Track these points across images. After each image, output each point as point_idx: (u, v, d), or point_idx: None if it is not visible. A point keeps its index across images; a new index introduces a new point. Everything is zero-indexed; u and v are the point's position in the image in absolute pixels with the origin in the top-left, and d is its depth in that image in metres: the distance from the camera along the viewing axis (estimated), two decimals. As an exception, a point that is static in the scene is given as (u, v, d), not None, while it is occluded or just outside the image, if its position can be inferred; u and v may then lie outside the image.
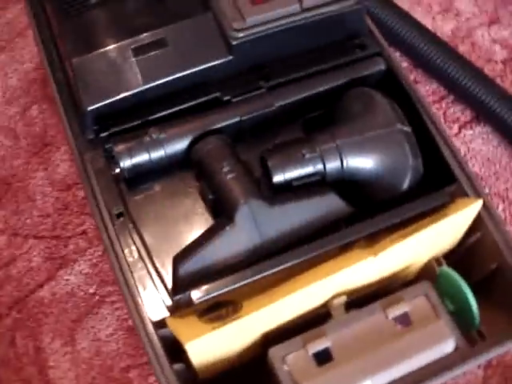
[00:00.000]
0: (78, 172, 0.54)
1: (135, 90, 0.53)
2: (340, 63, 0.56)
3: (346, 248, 0.50)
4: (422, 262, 0.54)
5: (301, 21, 0.54)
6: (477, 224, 0.53)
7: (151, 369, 0.47)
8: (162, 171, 0.53)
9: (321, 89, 0.55)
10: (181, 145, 0.52)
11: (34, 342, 0.63)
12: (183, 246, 0.49)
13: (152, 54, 0.54)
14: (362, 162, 0.51)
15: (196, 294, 0.46)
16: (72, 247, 0.67)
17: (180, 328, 0.46)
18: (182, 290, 0.47)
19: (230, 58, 0.54)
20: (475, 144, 0.74)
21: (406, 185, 0.51)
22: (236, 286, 0.47)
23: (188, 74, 0.53)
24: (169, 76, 0.53)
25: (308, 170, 0.50)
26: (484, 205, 0.52)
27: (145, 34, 0.54)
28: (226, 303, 0.47)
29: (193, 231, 0.51)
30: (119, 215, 0.51)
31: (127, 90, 0.53)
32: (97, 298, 0.65)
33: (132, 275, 0.49)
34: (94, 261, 0.66)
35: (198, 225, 0.51)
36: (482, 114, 0.74)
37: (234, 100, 0.54)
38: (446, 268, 0.52)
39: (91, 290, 0.65)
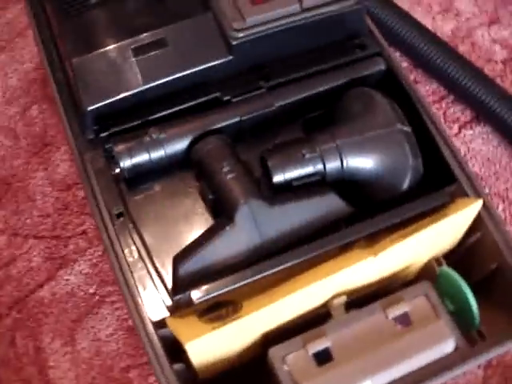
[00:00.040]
0: (77, 172, 0.54)
1: (135, 90, 0.53)
2: (340, 63, 0.56)
3: (345, 248, 0.50)
4: (422, 262, 0.54)
5: (301, 21, 0.54)
6: (477, 224, 0.53)
7: (151, 369, 0.47)
8: (162, 171, 0.53)
9: (321, 89, 0.55)
10: (181, 145, 0.52)
11: (34, 341, 0.63)
12: (183, 246, 0.49)
13: (152, 54, 0.54)
14: (362, 162, 0.51)
15: (196, 294, 0.46)
16: (72, 247, 0.67)
17: (180, 328, 0.46)
18: (181, 290, 0.47)
19: (230, 57, 0.54)
20: (475, 144, 0.74)
21: (405, 185, 0.51)
22: (236, 286, 0.47)
23: (188, 74, 0.53)
24: (169, 76, 0.53)
25: (308, 169, 0.50)
26: (484, 205, 0.52)
27: (145, 34, 0.54)
28: (226, 303, 0.47)
29: (193, 231, 0.51)
30: (119, 215, 0.51)
31: (127, 90, 0.53)
32: (97, 297, 0.65)
33: (132, 275, 0.49)
34: (94, 261, 0.66)
35: (197, 225, 0.51)
36: (482, 114, 0.74)
37: (234, 100, 0.54)
38: (445, 268, 0.52)
39: (91, 290, 0.65)
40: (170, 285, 0.48)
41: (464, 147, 0.73)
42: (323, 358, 0.47)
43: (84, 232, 0.68)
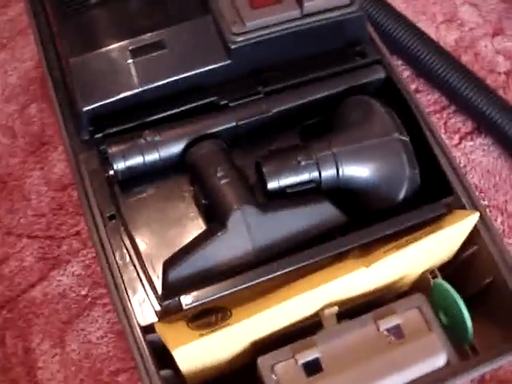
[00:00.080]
0: (71, 172, 0.53)
1: (132, 92, 0.52)
2: (339, 70, 0.56)
3: (339, 257, 0.50)
4: (417, 273, 0.53)
5: (301, 26, 0.54)
6: (473, 237, 0.52)
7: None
8: (156, 174, 0.52)
9: (319, 96, 0.55)
10: (176, 148, 0.51)
11: (24, 342, 0.63)
12: (175, 251, 0.49)
13: (150, 55, 0.53)
14: (358, 171, 0.50)
15: (185, 300, 0.46)
16: (65, 248, 0.67)
17: (168, 334, 0.45)
18: (171, 296, 0.46)
19: (229, 62, 0.53)
20: (475, 155, 0.73)
21: (402, 195, 0.50)
22: (226, 292, 0.46)
23: (185, 77, 0.53)
24: (166, 78, 0.53)
25: (303, 177, 0.50)
26: (481, 217, 0.51)
27: (143, 36, 0.54)
28: (216, 310, 0.47)
29: (185, 236, 0.50)
30: (111, 217, 0.51)
31: (124, 92, 0.52)
32: (88, 299, 0.64)
33: (122, 278, 0.48)
34: (87, 262, 0.66)
35: (190, 229, 0.51)
36: (483, 125, 0.73)
37: (231, 104, 0.53)
38: (440, 280, 0.51)
39: (83, 292, 0.64)
40: (159, 289, 0.47)
41: (464, 158, 0.73)
42: (313, 368, 0.46)
43: (78, 233, 0.67)
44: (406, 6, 0.83)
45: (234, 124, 0.53)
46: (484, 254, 0.52)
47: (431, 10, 0.83)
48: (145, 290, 0.48)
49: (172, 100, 0.53)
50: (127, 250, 0.49)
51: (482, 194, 0.71)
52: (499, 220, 0.69)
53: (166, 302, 0.46)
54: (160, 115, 0.53)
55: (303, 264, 0.47)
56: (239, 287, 0.46)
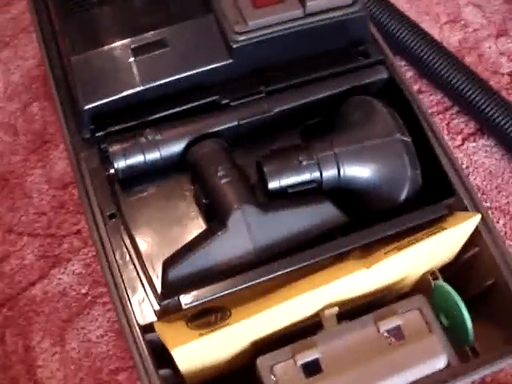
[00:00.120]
0: (72, 170, 0.53)
1: (133, 91, 0.52)
2: (342, 70, 0.55)
3: (340, 258, 0.49)
4: (418, 274, 0.53)
5: (303, 26, 0.54)
6: (474, 238, 0.52)
7: (140, 372, 0.46)
8: (156, 173, 0.52)
9: (321, 95, 0.54)
10: (177, 147, 0.51)
11: (24, 340, 0.63)
12: (175, 250, 0.48)
13: (152, 54, 0.53)
14: (360, 171, 0.50)
15: (185, 300, 0.45)
16: (66, 246, 0.67)
17: (167, 333, 0.45)
18: (170, 295, 0.46)
19: (231, 61, 0.53)
20: (478, 156, 0.73)
21: (403, 196, 0.50)
22: (226, 292, 0.46)
23: (187, 76, 0.53)
24: (168, 77, 0.53)
25: (304, 177, 0.50)
26: (482, 219, 0.51)
27: (145, 34, 0.54)
28: (216, 309, 0.46)
29: (185, 235, 0.50)
30: (112, 216, 0.50)
31: (125, 90, 0.52)
32: (89, 298, 0.64)
33: (121, 277, 0.48)
34: (88, 261, 0.66)
35: (190, 229, 0.51)
36: (486, 126, 0.73)
37: (233, 104, 0.53)
38: (441, 282, 0.51)
39: (83, 291, 0.64)
40: (159, 289, 0.47)
41: (466, 159, 0.72)
42: (312, 369, 0.46)
43: (79, 231, 0.67)
44: (410, 6, 0.82)
45: (235, 123, 0.52)
46: (485, 256, 0.52)
47: (435, 10, 0.83)
48: (144, 289, 0.48)
49: (174, 99, 0.53)
50: (127, 249, 0.49)
51: (485, 196, 0.70)
52: (501, 222, 0.69)
53: (166, 302, 0.46)
54: (161, 114, 0.53)
55: (303, 264, 0.47)
56: (239, 287, 0.46)
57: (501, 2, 0.84)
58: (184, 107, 0.53)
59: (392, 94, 0.55)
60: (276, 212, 0.48)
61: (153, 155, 0.51)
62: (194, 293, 0.46)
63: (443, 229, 0.49)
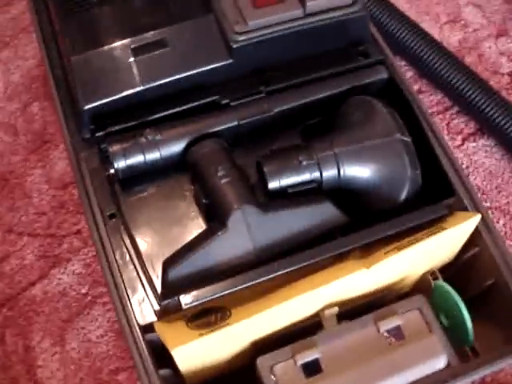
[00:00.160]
0: (72, 170, 0.53)
1: (133, 90, 0.52)
2: (342, 70, 0.55)
3: (340, 258, 0.49)
4: (418, 274, 0.53)
5: (304, 26, 0.54)
6: (474, 238, 0.52)
7: (140, 372, 0.46)
8: (157, 173, 0.52)
9: (321, 95, 0.54)
10: (177, 147, 0.51)
11: (24, 340, 0.63)
12: (175, 250, 0.48)
13: (152, 54, 0.53)
14: (360, 171, 0.50)
15: (185, 300, 0.45)
16: (66, 246, 0.67)
17: (167, 333, 0.45)
18: (170, 295, 0.46)
19: (230, 61, 0.53)
20: (478, 156, 0.73)
21: (403, 196, 0.50)
22: (226, 292, 0.46)
23: (187, 76, 0.53)
24: (168, 77, 0.53)
25: (304, 177, 0.50)
26: (482, 219, 0.51)
27: (145, 34, 0.54)
28: (216, 309, 0.46)
29: (185, 235, 0.50)
30: (112, 216, 0.50)
31: (125, 90, 0.52)
32: (89, 298, 0.64)
33: (121, 277, 0.48)
34: (88, 261, 0.66)
35: (190, 229, 0.51)
36: (486, 126, 0.73)
37: (233, 104, 0.53)
38: (441, 282, 0.51)
39: (83, 291, 0.64)
40: (159, 289, 0.47)
41: (466, 159, 0.72)
42: (312, 369, 0.46)
43: (79, 231, 0.67)
44: (410, 6, 0.82)
45: (235, 123, 0.52)
46: (485, 256, 0.52)
47: (435, 10, 0.83)
48: (144, 289, 0.48)
49: (174, 99, 0.53)
50: (127, 248, 0.49)
51: (485, 196, 0.70)
52: (501, 222, 0.69)
53: (166, 302, 0.46)
54: (161, 114, 0.53)
55: (303, 264, 0.47)
56: (239, 287, 0.46)
57: (501, 1, 0.84)
58: (184, 107, 0.53)
59: (392, 94, 0.55)
60: (276, 212, 0.48)
61: (153, 155, 0.51)
62: (194, 293, 0.46)
63: (443, 229, 0.49)
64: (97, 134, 0.52)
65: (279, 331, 0.48)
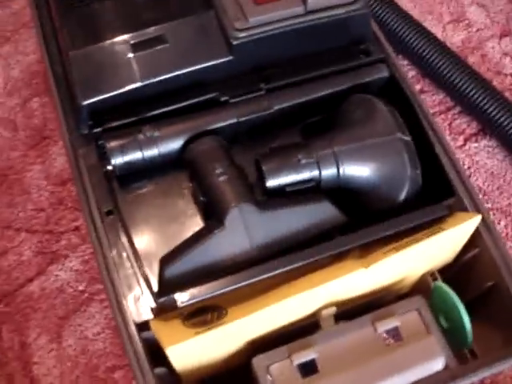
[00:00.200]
0: (70, 166, 0.53)
1: (132, 87, 0.52)
2: (342, 68, 0.55)
3: (338, 258, 0.49)
4: (417, 275, 0.52)
5: (304, 23, 0.53)
6: (475, 239, 0.51)
7: (137, 370, 0.46)
8: (155, 170, 0.52)
9: (321, 94, 0.54)
10: (175, 144, 0.51)
11: (20, 336, 0.62)
12: (172, 248, 0.48)
13: (151, 50, 0.53)
14: (359, 170, 0.50)
15: (181, 298, 0.45)
16: (64, 243, 0.66)
17: (163, 331, 0.45)
18: (167, 293, 0.46)
19: (230, 57, 0.53)
20: (480, 157, 0.72)
21: (403, 196, 0.50)
22: (222, 291, 0.46)
23: (186, 73, 0.52)
24: (167, 74, 0.52)
25: (303, 175, 0.49)
26: (483, 220, 0.51)
27: (145, 30, 0.53)
28: (212, 308, 0.46)
29: (183, 233, 0.50)
30: (109, 213, 0.50)
31: (124, 86, 0.52)
32: (86, 295, 0.64)
33: (118, 274, 0.48)
34: (86, 257, 0.65)
35: (188, 227, 0.50)
36: (489, 126, 0.72)
37: (232, 101, 0.53)
38: (440, 283, 0.50)
39: (81, 287, 0.64)
40: (155, 286, 0.47)
41: (468, 160, 0.72)
42: (308, 369, 0.45)
43: (77, 228, 0.67)
44: (413, 5, 0.82)
45: (234, 120, 0.52)
46: (485, 258, 0.51)
47: (438, 9, 0.82)
48: (140, 286, 0.47)
49: (173, 95, 0.52)
50: (124, 246, 0.49)
51: (486, 197, 0.70)
52: (503, 223, 0.68)
53: (162, 300, 0.46)
54: (160, 110, 0.52)
55: (301, 263, 0.47)
56: (236, 286, 0.46)
57: (505, 1, 0.83)
58: (183, 104, 0.52)
59: (393, 93, 0.55)
60: (274, 210, 0.48)
61: (151, 152, 0.50)
62: (191, 291, 0.45)
63: (443, 229, 0.48)
64: (94, 130, 0.52)
65: (276, 331, 0.47)
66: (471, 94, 0.71)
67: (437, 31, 0.79)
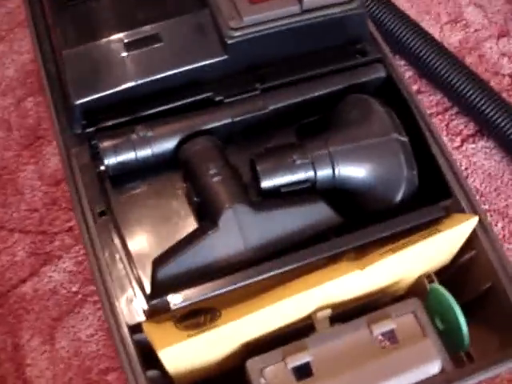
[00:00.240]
0: (62, 166, 0.52)
1: (126, 86, 0.51)
2: (339, 68, 0.54)
3: (333, 259, 0.48)
4: (413, 277, 0.52)
5: (300, 22, 0.53)
6: (471, 241, 0.51)
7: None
8: (148, 170, 0.51)
9: (317, 94, 0.53)
10: (169, 144, 0.50)
11: (13, 338, 0.62)
12: (165, 249, 0.47)
13: (145, 49, 0.52)
14: (355, 171, 0.49)
15: (174, 300, 0.44)
16: (57, 243, 0.66)
17: (155, 334, 0.44)
18: (159, 295, 0.45)
19: (225, 57, 0.52)
20: (477, 158, 0.72)
21: (399, 197, 0.49)
22: (216, 293, 0.45)
23: (181, 72, 0.52)
24: (161, 73, 0.52)
25: (298, 176, 0.49)
26: (480, 222, 0.50)
27: (139, 29, 0.53)
28: (205, 310, 0.45)
29: (176, 234, 0.49)
30: (102, 213, 0.49)
31: (118, 85, 0.51)
32: (79, 296, 0.63)
33: (110, 276, 0.47)
34: (79, 259, 0.65)
35: (182, 228, 0.50)
36: (486, 127, 0.72)
37: (227, 101, 0.52)
38: (436, 285, 0.50)
39: (74, 289, 0.63)
40: (148, 288, 0.46)
41: (466, 161, 0.72)
42: (303, 372, 0.45)
43: (70, 229, 0.66)
44: (410, 5, 0.82)
45: (229, 120, 0.52)
46: (482, 260, 0.51)
47: (435, 9, 0.82)
48: (133, 288, 0.47)
49: (167, 95, 0.52)
50: (117, 247, 0.48)
51: (483, 198, 0.69)
52: (500, 225, 0.68)
53: (154, 302, 0.45)
54: (154, 110, 0.52)
55: (296, 265, 0.46)
56: (229, 288, 0.45)
57: (503, 2, 0.83)
58: (177, 103, 0.52)
59: (389, 93, 0.54)
60: (269, 211, 0.47)
61: (144, 152, 0.50)
62: (184, 293, 0.45)
63: (439, 231, 0.48)
64: (87, 130, 0.51)
65: (270, 333, 0.47)
66: (469, 94, 0.71)
67: (434, 31, 0.78)
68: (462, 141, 0.73)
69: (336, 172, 0.49)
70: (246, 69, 0.53)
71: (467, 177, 0.70)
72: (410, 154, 0.50)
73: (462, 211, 0.51)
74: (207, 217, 0.48)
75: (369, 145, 0.49)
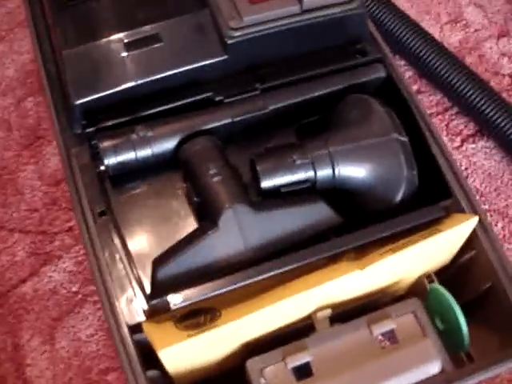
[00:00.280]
0: (62, 166, 0.52)
1: (126, 86, 0.51)
2: (339, 68, 0.54)
3: (333, 259, 0.48)
4: (413, 277, 0.52)
5: (300, 22, 0.53)
6: (471, 241, 0.51)
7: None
8: (148, 170, 0.51)
9: (317, 94, 0.53)
10: (169, 144, 0.50)
11: (13, 338, 0.62)
12: (165, 249, 0.47)
13: (145, 49, 0.52)
14: (355, 171, 0.49)
15: (174, 300, 0.44)
16: (57, 243, 0.66)
17: (155, 334, 0.44)
18: (159, 295, 0.45)
19: (225, 57, 0.52)
20: (477, 158, 0.72)
21: (399, 197, 0.49)
22: (215, 293, 0.45)
23: (181, 72, 0.52)
24: (161, 73, 0.52)
25: (298, 176, 0.49)
26: (480, 222, 0.50)
27: (139, 29, 0.53)
28: (205, 310, 0.45)
29: (176, 234, 0.49)
30: (102, 213, 0.49)
31: (118, 86, 0.51)
32: (79, 296, 0.63)
33: (110, 276, 0.47)
34: (79, 259, 0.65)
35: (182, 228, 0.50)
36: (486, 127, 0.72)
37: (227, 101, 0.52)
38: (436, 285, 0.50)
39: (74, 289, 0.63)
40: (148, 288, 0.46)
41: (466, 161, 0.71)
42: (303, 372, 0.45)
43: (70, 229, 0.66)
44: (410, 5, 0.82)
45: (229, 120, 0.52)
46: (482, 260, 0.51)
47: (435, 9, 0.82)
48: (133, 288, 0.47)
49: (167, 95, 0.52)
50: (117, 247, 0.48)
51: (483, 198, 0.69)
52: (500, 225, 0.68)
53: (154, 302, 0.45)
54: (154, 110, 0.52)
55: (296, 265, 0.46)
56: (229, 288, 0.45)
57: (503, 2, 0.83)
58: (177, 103, 0.52)
59: (390, 93, 0.54)
60: (269, 211, 0.47)
61: (144, 152, 0.50)
62: (184, 293, 0.45)
63: (440, 231, 0.48)
64: (87, 130, 0.51)
65: (270, 333, 0.47)
66: (469, 94, 0.71)
67: (434, 31, 0.78)
68: (462, 141, 0.73)
69: (336, 172, 0.49)
70: (245, 69, 0.53)
71: (467, 177, 0.70)
72: (410, 154, 0.50)
73: (462, 211, 0.51)
74: (207, 217, 0.48)
75: (369, 145, 0.49)
